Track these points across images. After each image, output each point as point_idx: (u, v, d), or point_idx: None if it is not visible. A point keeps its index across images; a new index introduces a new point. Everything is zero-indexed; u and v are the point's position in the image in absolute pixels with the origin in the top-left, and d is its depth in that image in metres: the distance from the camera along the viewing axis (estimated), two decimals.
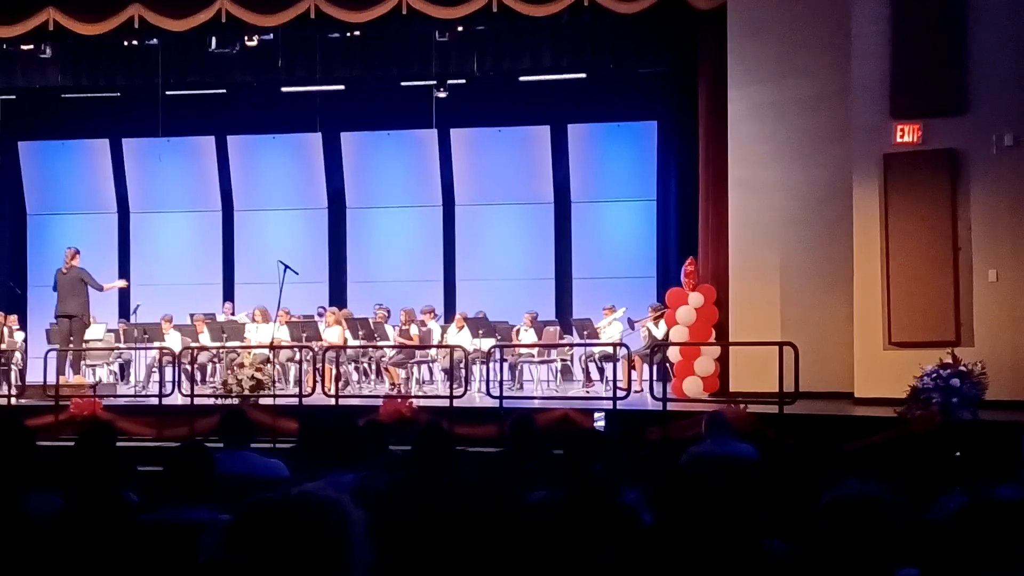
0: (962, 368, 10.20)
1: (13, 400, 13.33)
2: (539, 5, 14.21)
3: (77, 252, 14.14)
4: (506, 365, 14.56)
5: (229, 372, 12.80)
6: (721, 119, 13.72)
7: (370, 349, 15.02)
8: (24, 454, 4.71)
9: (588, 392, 14.20)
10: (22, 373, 15.98)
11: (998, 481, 4.67)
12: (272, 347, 14.08)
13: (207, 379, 15.44)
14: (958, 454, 5.33)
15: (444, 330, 15.38)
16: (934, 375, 10.14)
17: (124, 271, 18.36)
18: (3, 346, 15.92)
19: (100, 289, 14.41)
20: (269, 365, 13.37)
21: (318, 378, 13.59)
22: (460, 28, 15.09)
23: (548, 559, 3.74)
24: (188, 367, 14.05)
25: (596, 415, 11.02)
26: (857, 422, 10.78)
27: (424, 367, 15.44)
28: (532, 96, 17.44)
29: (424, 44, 15.54)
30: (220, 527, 2.08)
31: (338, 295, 18.64)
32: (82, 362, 14.65)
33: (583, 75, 16.72)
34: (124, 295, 18.13)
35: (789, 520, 4.12)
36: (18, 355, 16.16)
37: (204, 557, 2.04)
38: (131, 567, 3.74)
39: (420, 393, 13.71)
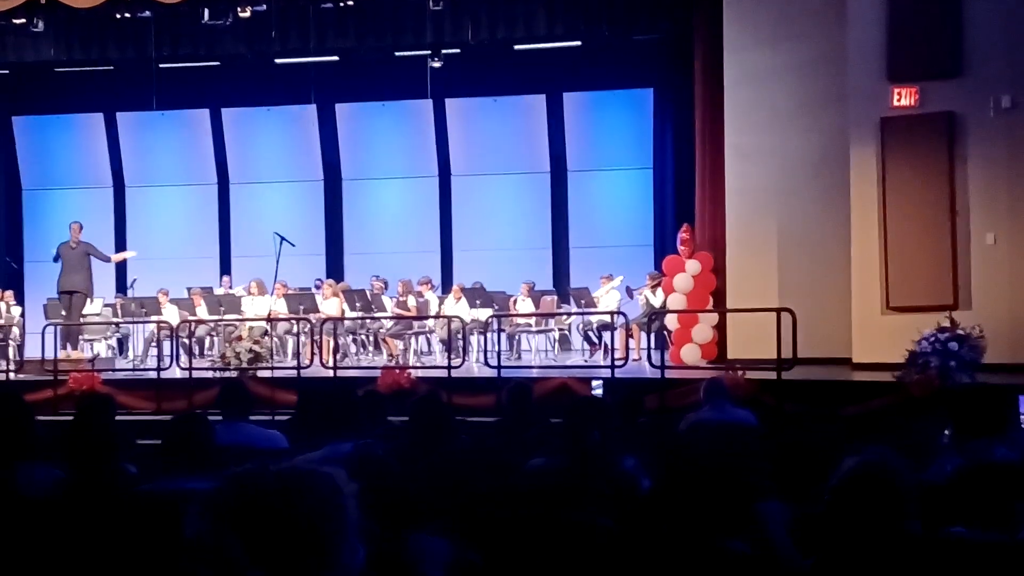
0: (960, 332, 10.19)
1: (11, 375, 13.33)
2: None
3: (81, 226, 14.12)
4: (504, 335, 14.57)
5: (227, 345, 12.79)
6: (717, 85, 13.65)
7: (368, 321, 15.02)
8: (23, 429, 4.71)
9: (587, 361, 14.21)
10: (20, 348, 15.97)
11: (995, 443, 4.68)
12: (270, 319, 14.07)
13: (205, 352, 15.44)
14: (947, 432, 5.33)
15: (441, 301, 15.36)
16: (932, 339, 10.13)
17: (120, 245, 18.30)
18: (1, 321, 15.91)
19: (108, 260, 14.37)
20: (267, 338, 13.37)
21: (316, 350, 13.58)
22: None
23: (547, 525, 3.75)
24: (186, 340, 14.05)
25: (594, 383, 11.03)
26: (855, 387, 10.78)
27: (422, 338, 15.44)
28: (527, 65, 17.34)
29: (418, 13, 15.44)
30: (206, 500, 2.05)
31: (335, 267, 18.63)
32: (80, 337, 14.64)
33: (578, 43, 16.63)
34: (121, 269, 18.11)
35: (788, 485, 4.13)
36: (16, 330, 16.14)
37: (191, 532, 2.01)
38: (130, 536, 3.75)
39: (418, 364, 13.71)
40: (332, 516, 2.00)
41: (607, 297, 14.76)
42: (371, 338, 15.53)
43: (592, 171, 18.30)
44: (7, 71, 17.67)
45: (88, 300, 14.35)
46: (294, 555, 1.96)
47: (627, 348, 13.96)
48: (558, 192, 18.39)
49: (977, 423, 4.77)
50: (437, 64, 16.73)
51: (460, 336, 13.21)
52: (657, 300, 14.20)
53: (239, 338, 12.65)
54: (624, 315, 13.67)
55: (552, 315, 15.30)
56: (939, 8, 11.82)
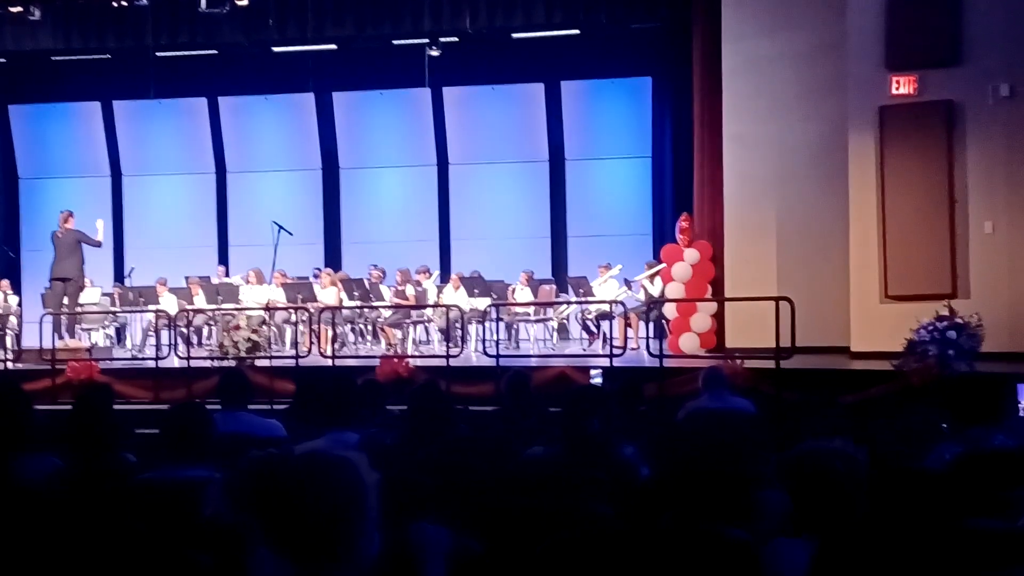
0: (958, 320, 10.19)
1: (9, 364, 13.32)
2: None
3: (71, 214, 14.08)
4: (502, 324, 14.57)
5: (225, 334, 12.78)
6: (716, 74, 13.62)
7: (366, 310, 15.00)
8: (21, 418, 4.71)
9: (585, 350, 14.21)
10: (17, 337, 15.95)
11: (993, 430, 4.69)
12: (268, 309, 14.06)
13: (203, 341, 15.43)
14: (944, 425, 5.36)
15: (440, 290, 15.35)
16: (930, 328, 10.13)
17: (117, 234, 18.31)
18: None
19: (99, 245, 14.33)
20: (265, 327, 13.36)
21: (314, 339, 13.58)
22: None
23: (547, 513, 3.75)
24: (184, 330, 14.03)
25: (593, 372, 11.03)
26: (854, 376, 10.79)
27: (420, 327, 15.43)
28: (525, 53, 17.30)
29: (416, 2, 15.42)
30: (228, 480, 2.04)
31: (333, 256, 18.61)
32: (77, 326, 14.62)
33: (576, 31, 16.58)
34: (119, 258, 18.09)
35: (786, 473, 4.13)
36: (13, 319, 16.12)
37: (209, 511, 2.01)
38: (130, 525, 3.75)
39: (416, 353, 13.71)
40: (352, 504, 2.00)
41: (605, 286, 14.76)
42: (369, 327, 15.52)
43: (590, 160, 18.27)
44: (4, 60, 17.60)
45: (81, 287, 14.32)
46: (312, 540, 1.97)
47: (626, 337, 13.95)
48: (556, 181, 18.37)
49: (975, 411, 4.78)
50: (435, 52, 16.70)
51: (458, 325, 13.20)
52: (655, 289, 14.19)
53: (237, 327, 12.64)
54: (623, 304, 13.67)
55: (551, 304, 15.30)
56: None
